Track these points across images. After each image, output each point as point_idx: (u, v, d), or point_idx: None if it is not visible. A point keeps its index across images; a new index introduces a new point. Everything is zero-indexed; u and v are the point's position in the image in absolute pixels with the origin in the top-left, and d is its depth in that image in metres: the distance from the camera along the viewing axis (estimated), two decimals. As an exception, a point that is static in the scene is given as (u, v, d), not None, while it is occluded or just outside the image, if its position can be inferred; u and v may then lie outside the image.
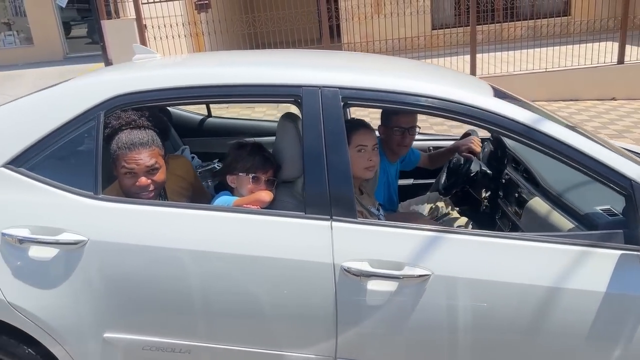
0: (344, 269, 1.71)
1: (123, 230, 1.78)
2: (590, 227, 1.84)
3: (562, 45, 8.18)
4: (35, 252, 1.77)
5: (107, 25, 8.42)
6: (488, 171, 2.77)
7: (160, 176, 1.98)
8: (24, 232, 1.77)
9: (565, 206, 2.05)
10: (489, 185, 2.78)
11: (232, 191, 2.10)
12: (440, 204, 2.99)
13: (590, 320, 1.68)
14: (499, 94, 1.99)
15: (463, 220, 2.73)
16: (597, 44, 7.93)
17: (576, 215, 1.96)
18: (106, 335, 1.81)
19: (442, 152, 3.00)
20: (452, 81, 2.04)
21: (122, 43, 8.08)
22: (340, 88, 1.83)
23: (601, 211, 1.90)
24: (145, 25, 8.14)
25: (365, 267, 1.71)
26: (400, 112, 2.54)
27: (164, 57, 2.36)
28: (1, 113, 1.94)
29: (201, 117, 3.38)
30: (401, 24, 8.39)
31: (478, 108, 1.79)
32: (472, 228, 2.64)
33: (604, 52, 7.87)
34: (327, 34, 7.93)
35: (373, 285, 1.72)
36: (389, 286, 1.72)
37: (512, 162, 2.67)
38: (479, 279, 1.70)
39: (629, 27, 7.82)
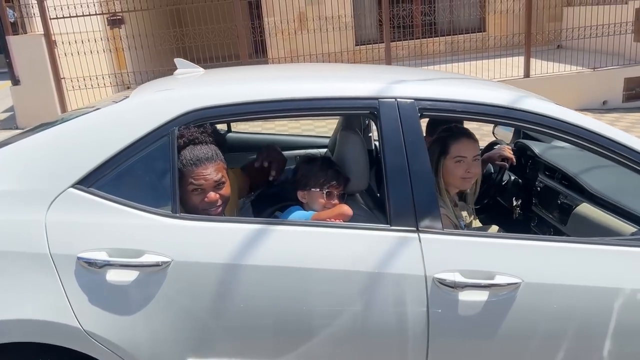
0: (437, 281, 1.71)
1: (208, 250, 1.71)
2: None
3: (478, 60, 8.63)
4: (113, 276, 1.67)
5: (13, 41, 8.25)
6: (518, 180, 2.84)
7: (226, 190, 1.93)
8: (101, 256, 1.67)
9: (621, 211, 2.13)
10: (518, 193, 2.85)
11: (302, 206, 2.06)
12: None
13: None
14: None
15: (494, 228, 2.78)
16: (510, 58, 8.43)
17: (636, 219, 2.04)
18: (189, 360, 1.73)
19: None
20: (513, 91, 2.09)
21: (31, 60, 8.13)
22: (416, 99, 1.85)
23: None
24: (54, 41, 8.03)
25: (458, 277, 1.72)
26: (463, 136, 2.30)
27: (211, 72, 2.31)
28: (68, 130, 1.83)
29: (221, 132, 3.30)
30: (325, 40, 8.59)
31: (551, 117, 1.84)
32: None
33: (516, 66, 8.34)
34: (245, 49, 7.99)
35: (465, 295, 1.72)
36: (481, 296, 1.73)
37: (545, 169, 2.75)
38: (569, 285, 1.73)
39: (534, 43, 8.36)
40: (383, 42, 8.52)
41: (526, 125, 1.88)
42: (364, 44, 9.46)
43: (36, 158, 1.77)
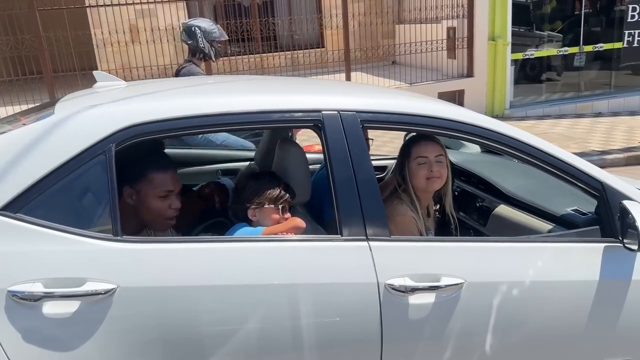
0: (388, 287, 1.75)
1: (157, 273, 1.62)
2: (570, 227, 2.10)
3: (319, 74, 8.98)
4: (51, 308, 1.54)
5: None
6: None
7: (179, 204, 1.94)
8: (36, 287, 1.53)
9: (538, 210, 2.31)
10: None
11: (250, 223, 2.01)
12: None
13: (588, 307, 1.91)
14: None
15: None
16: (353, 73, 8.92)
17: (551, 217, 2.22)
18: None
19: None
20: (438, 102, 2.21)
21: None
22: (357, 112, 1.89)
23: (572, 212, 2.18)
24: None
25: (408, 282, 1.77)
26: (422, 138, 2.31)
27: (135, 84, 2.21)
28: None
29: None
30: (160, 52, 8.63)
31: (475, 125, 1.95)
32: None
33: (360, 79, 8.77)
34: (47, 64, 7.79)
35: (415, 299, 1.78)
36: (429, 298, 1.79)
37: (460, 175, 2.92)
38: (503, 281, 1.85)
39: (371, 59, 9.00)
40: (227, 56, 8.69)
41: (452, 134, 1.97)
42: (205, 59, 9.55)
43: None
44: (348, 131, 1.85)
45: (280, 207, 1.99)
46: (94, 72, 2.27)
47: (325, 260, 1.76)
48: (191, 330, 1.63)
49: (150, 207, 1.86)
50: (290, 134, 2.87)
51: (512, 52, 8.77)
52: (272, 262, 1.72)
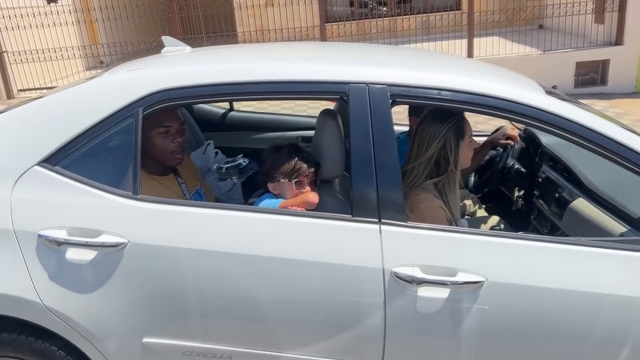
0: (394, 274, 1.65)
1: (164, 232, 1.71)
2: None
3: (454, 39, 8.24)
4: (73, 254, 1.70)
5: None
6: (522, 169, 2.69)
7: (185, 136, 2.09)
8: (61, 234, 1.70)
9: (615, 209, 1.99)
10: (522, 183, 2.70)
11: (276, 195, 2.03)
12: (468, 202, 2.91)
13: None
14: (550, 92, 1.92)
15: (494, 219, 2.65)
16: (484, 38, 8.08)
17: (628, 218, 1.90)
18: (145, 340, 1.75)
19: (474, 154, 2.82)
20: (503, 78, 1.96)
21: None
22: (388, 85, 1.76)
23: None
24: None
25: (417, 272, 1.65)
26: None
27: (196, 51, 2.28)
28: (35, 109, 1.86)
29: (223, 111, 3.30)
30: (293, 16, 8.52)
31: (538, 109, 1.72)
32: (504, 228, 2.58)
33: (491, 45, 7.96)
34: (177, 25, 8.00)
35: (424, 291, 1.66)
36: (441, 293, 1.66)
37: (549, 160, 2.60)
38: (535, 286, 1.64)
39: (514, 23, 8.01)
40: (354, 19, 8.38)
41: (502, 114, 1.76)
42: (335, 21, 9.33)
43: (5, 136, 1.81)
44: (374, 106, 1.74)
45: (294, 181, 1.96)
46: (163, 37, 2.38)
47: (331, 239, 1.70)
48: (188, 290, 1.70)
49: (155, 145, 2.00)
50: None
51: None
52: (275, 234, 1.71)
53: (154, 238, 1.71)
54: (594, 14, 7.85)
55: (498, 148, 2.69)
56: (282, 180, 1.98)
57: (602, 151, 1.70)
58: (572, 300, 1.63)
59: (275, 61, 1.97)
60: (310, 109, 7.11)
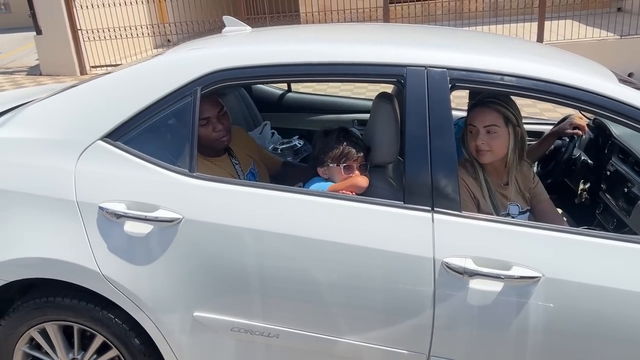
0: (445, 265, 1.61)
1: (218, 210, 1.74)
2: None
3: (525, 22, 7.80)
4: (130, 227, 1.76)
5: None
6: (589, 160, 2.54)
7: (228, 119, 2.13)
8: (120, 207, 1.76)
9: None
10: (588, 175, 2.56)
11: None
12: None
13: None
14: (623, 81, 1.80)
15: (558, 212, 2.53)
16: (559, 21, 7.59)
17: None
18: (196, 314, 1.80)
19: (538, 144, 2.63)
20: (572, 64, 1.85)
21: (50, 11, 9.01)
22: (448, 69, 1.70)
23: None
24: None
25: (469, 264, 1.60)
26: (477, 104, 2.06)
27: (255, 31, 2.29)
28: (97, 86, 1.93)
29: (281, 92, 3.31)
30: None
31: (610, 98, 1.62)
32: (566, 221, 2.46)
33: (563, 29, 7.49)
34: (242, 6, 8.16)
35: (476, 284, 1.61)
36: (494, 286, 1.60)
37: (619, 152, 2.44)
38: (600, 286, 1.55)
39: (589, 5, 7.52)
40: (420, 0, 8.12)
41: (573, 104, 1.67)
42: (399, 2, 9.04)
43: (72, 110, 1.89)
44: (432, 90, 1.69)
45: (343, 166, 1.94)
46: (224, 18, 2.41)
47: (382, 226, 1.68)
48: (239, 268, 1.73)
49: (199, 135, 2.00)
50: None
51: None
52: (327, 218, 1.70)
53: (207, 215, 1.74)
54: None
55: (564, 138, 2.56)
56: (330, 165, 1.97)
57: None
58: (634, 302, 1.54)
59: (332, 43, 1.95)
60: (369, 91, 7.04)
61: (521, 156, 2.09)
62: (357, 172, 1.96)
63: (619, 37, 7.36)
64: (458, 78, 1.70)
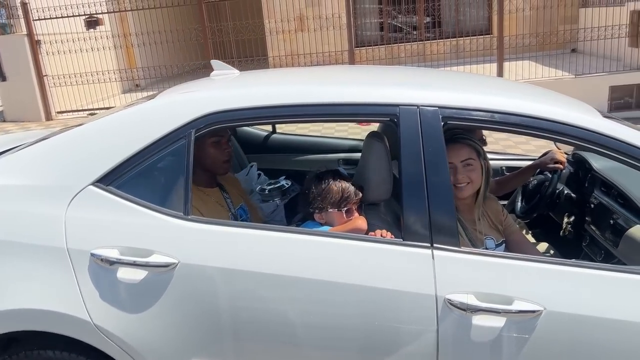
0: (448, 302, 1.61)
1: (215, 253, 1.71)
2: None
3: (485, 63, 8.19)
4: (124, 273, 1.71)
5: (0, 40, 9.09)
6: (572, 194, 2.62)
7: (231, 148, 2.23)
8: (113, 253, 1.71)
9: None
10: (571, 209, 2.63)
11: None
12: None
13: None
14: (605, 115, 1.87)
15: (543, 245, 2.58)
16: (517, 62, 8.06)
17: None
18: (193, 361, 1.74)
19: (517, 174, 2.76)
20: (557, 101, 1.93)
21: (15, 58, 9.09)
22: (440, 107, 1.75)
23: None
24: (38, 41, 8.82)
25: (472, 300, 1.60)
26: (449, 142, 2.03)
27: (245, 74, 2.31)
28: (89, 130, 1.90)
29: (265, 133, 3.33)
30: (324, 40, 8.65)
31: (597, 132, 1.68)
32: (553, 254, 2.51)
33: (521, 69, 7.91)
34: (209, 51, 8.27)
35: (479, 320, 1.61)
36: (496, 321, 1.60)
37: (601, 185, 2.52)
38: (600, 317, 1.57)
39: (547, 46, 7.98)
40: (384, 44, 8.57)
41: (560, 138, 1.73)
42: (365, 45, 9.36)
43: (61, 156, 1.85)
44: (426, 128, 1.73)
45: (344, 210, 1.94)
46: (212, 62, 2.42)
47: (383, 264, 1.67)
48: (239, 312, 1.69)
49: (208, 154, 2.13)
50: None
51: None
52: (326, 258, 1.69)
53: (204, 259, 1.70)
54: (628, 38, 7.71)
55: (546, 173, 2.64)
56: (330, 210, 1.95)
57: None
58: (635, 333, 1.56)
59: (327, 84, 1.98)
60: (350, 128, 7.14)
61: (487, 189, 2.14)
62: (356, 214, 1.96)
63: (573, 76, 7.72)
64: (449, 116, 1.74)
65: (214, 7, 9.19)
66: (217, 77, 2.23)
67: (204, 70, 8.79)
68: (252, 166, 2.89)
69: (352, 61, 8.67)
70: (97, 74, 9.07)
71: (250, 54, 8.81)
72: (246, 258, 1.70)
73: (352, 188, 1.95)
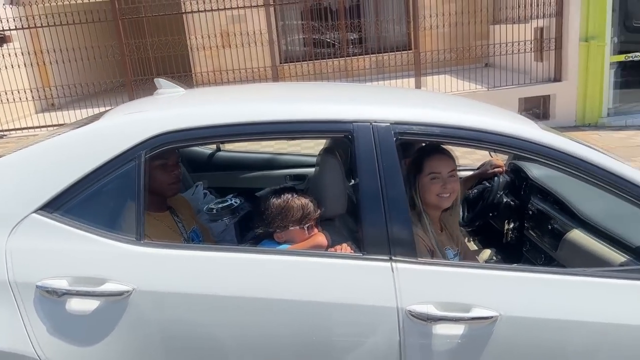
0: (409, 313, 1.65)
1: (172, 278, 1.65)
2: None
3: (405, 78, 8.51)
4: (74, 304, 1.62)
5: None
6: (511, 202, 2.76)
7: (180, 169, 2.18)
8: (62, 284, 1.61)
9: (612, 238, 2.05)
10: (512, 216, 2.77)
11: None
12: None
13: None
14: (542, 127, 2.00)
15: (487, 252, 2.70)
16: (434, 76, 8.48)
17: (627, 247, 1.96)
18: (151, 393, 1.66)
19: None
20: (501, 114, 2.03)
21: None
22: (392, 123, 1.79)
23: None
24: None
25: (432, 310, 1.64)
26: (436, 152, 2.20)
27: (192, 92, 2.26)
28: (31, 154, 1.79)
29: (210, 151, 3.27)
30: (249, 56, 8.76)
31: (532, 141, 1.78)
32: (497, 260, 2.63)
33: (438, 83, 8.31)
34: (127, 69, 8.18)
35: (439, 329, 1.65)
36: (456, 329, 1.65)
37: (538, 192, 2.67)
38: (549, 319, 1.66)
39: (462, 61, 8.44)
40: (310, 60, 8.73)
41: (503, 149, 1.83)
42: (291, 61, 9.59)
43: (1, 182, 1.72)
44: (380, 143, 1.77)
45: (305, 226, 1.93)
46: (155, 80, 2.35)
47: (344, 279, 1.68)
48: (199, 337, 1.64)
49: (154, 178, 2.00)
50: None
51: (617, 53, 7.80)
52: (287, 276, 1.68)
53: (161, 284, 1.64)
54: (533, 53, 8.26)
55: (485, 182, 2.77)
56: (291, 227, 1.93)
57: (600, 182, 1.76)
58: (585, 331, 1.65)
59: (280, 101, 1.98)
60: (304, 142, 7.05)
61: (459, 201, 2.24)
62: (316, 230, 1.96)
63: (487, 89, 8.18)
64: (402, 131, 1.79)
65: (133, 23, 8.92)
66: (162, 96, 2.17)
67: (122, 89, 8.55)
68: (197, 186, 2.82)
69: (275, 77, 8.71)
70: (12, 93, 8.52)
71: (174, 71, 8.60)
72: (207, 282, 1.65)
73: (311, 204, 1.94)
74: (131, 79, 8.42)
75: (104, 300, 1.62)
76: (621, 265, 1.91)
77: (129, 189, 1.72)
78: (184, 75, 8.91)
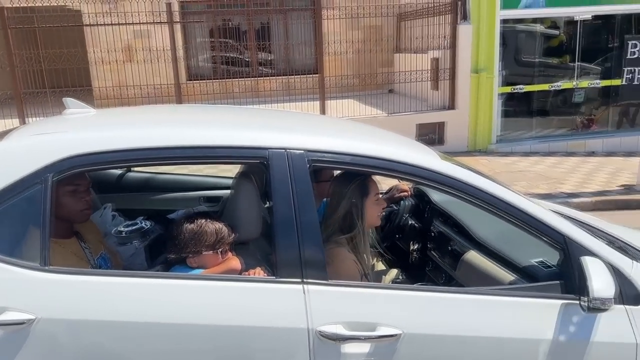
0: (319, 333, 1.71)
1: (77, 305, 1.60)
2: (532, 279, 2.03)
3: (312, 100, 8.88)
4: None
5: None
6: (415, 224, 2.93)
7: (90, 195, 2.10)
8: (-46, 315, 1.51)
9: (502, 259, 2.25)
10: (416, 237, 2.93)
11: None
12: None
13: None
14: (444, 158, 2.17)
15: (393, 272, 2.82)
16: (339, 101, 8.89)
17: (515, 267, 2.16)
18: None
19: None
20: (404, 144, 2.18)
21: None
22: (306, 150, 1.87)
23: (537, 263, 2.11)
24: None
25: (340, 330, 1.71)
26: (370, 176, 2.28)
27: (103, 113, 2.20)
28: None
29: (119, 172, 3.15)
30: (155, 72, 8.72)
31: (434, 171, 1.92)
32: (402, 279, 2.77)
33: (342, 107, 8.68)
34: (16, 81, 7.93)
35: (348, 348, 1.72)
36: (364, 348, 1.73)
37: (440, 215, 2.86)
38: (447, 335, 1.78)
39: (368, 87, 8.98)
40: (217, 79, 8.84)
41: (408, 178, 1.95)
42: (197, 79, 9.62)
43: None
44: (294, 170, 1.83)
45: (219, 251, 1.94)
46: (64, 99, 2.26)
47: (257, 302, 1.72)
48: None
49: (63, 204, 1.92)
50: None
51: (504, 84, 8.66)
52: (199, 301, 1.68)
53: (65, 312, 1.59)
54: (430, 81, 8.88)
55: (392, 205, 2.93)
56: (205, 252, 1.93)
57: (486, 206, 1.93)
58: (480, 345, 1.80)
59: (196, 126, 1.99)
60: (221, 165, 6.86)
61: None
62: (230, 254, 1.97)
63: (387, 114, 8.62)
64: (315, 159, 1.86)
65: (24, 33, 8.39)
66: (71, 116, 2.10)
67: (10, 102, 7.92)
68: (105, 207, 2.70)
69: (178, 95, 8.56)
70: None
71: (72, 84, 8.15)
72: (115, 308, 1.62)
73: (225, 228, 1.96)
74: (21, 91, 7.88)
75: (4, 330, 1.54)
76: (510, 283, 2.12)
77: (34, 213, 1.65)
78: (83, 90, 8.47)
